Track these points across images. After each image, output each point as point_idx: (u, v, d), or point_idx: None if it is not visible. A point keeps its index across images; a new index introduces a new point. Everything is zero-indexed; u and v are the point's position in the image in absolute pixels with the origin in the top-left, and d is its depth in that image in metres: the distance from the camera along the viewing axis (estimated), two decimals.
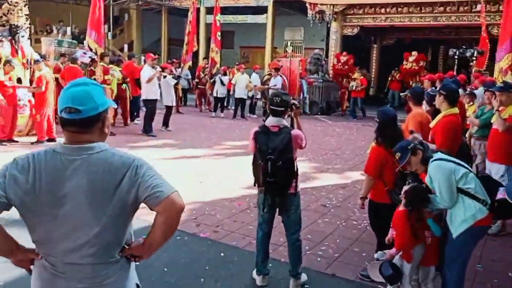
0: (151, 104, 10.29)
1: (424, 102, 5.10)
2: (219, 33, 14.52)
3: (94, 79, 10.32)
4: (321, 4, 16.97)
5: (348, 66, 15.78)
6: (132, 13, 22.23)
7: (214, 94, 13.89)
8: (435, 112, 5.15)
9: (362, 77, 14.82)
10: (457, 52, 12.80)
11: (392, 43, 20.43)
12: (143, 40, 22.42)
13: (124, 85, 10.96)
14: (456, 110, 4.14)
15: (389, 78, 18.04)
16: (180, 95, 14.41)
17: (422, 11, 15.75)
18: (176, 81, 11.46)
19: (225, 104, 14.90)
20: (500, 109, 5.00)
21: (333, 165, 8.28)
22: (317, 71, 15.92)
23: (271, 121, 3.61)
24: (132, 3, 20.69)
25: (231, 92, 14.05)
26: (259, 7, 19.55)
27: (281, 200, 3.63)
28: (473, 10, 14.71)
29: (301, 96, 15.20)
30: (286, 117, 3.69)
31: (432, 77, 10.11)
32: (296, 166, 3.63)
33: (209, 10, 19.02)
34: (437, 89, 8.90)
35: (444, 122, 4.04)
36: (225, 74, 13.73)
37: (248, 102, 14.35)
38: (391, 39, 20.53)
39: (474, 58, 12.66)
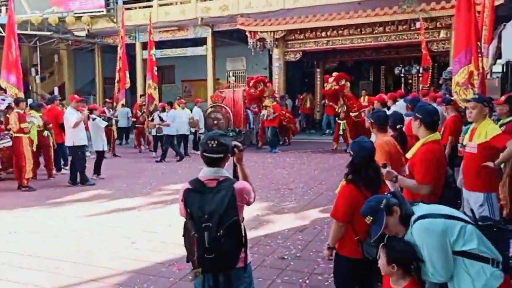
0: (79, 151, 9.06)
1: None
2: (155, 68, 13.53)
3: (9, 129, 9.09)
4: (261, 32, 16.50)
5: (259, 90, 13.73)
6: (63, 54, 20.81)
7: (153, 133, 12.77)
8: (400, 137, 4.40)
9: (274, 103, 13.46)
10: (403, 70, 12.53)
11: (335, 66, 20.26)
12: (76, 81, 20.97)
13: (46, 132, 9.64)
14: (437, 135, 3.34)
15: (324, 103, 17.57)
16: (116, 136, 13.19)
17: (363, 32, 15.57)
18: (107, 123, 10.28)
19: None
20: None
21: (288, 202, 7.37)
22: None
23: (206, 173, 2.67)
24: (61, 43, 19.33)
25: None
26: (198, 39, 18.86)
27: (226, 279, 2.65)
28: (411, 28, 14.65)
29: (247, 127, 14.42)
30: (226, 166, 2.76)
31: (382, 97, 9.60)
32: (244, 230, 2.68)
33: (145, 46, 18.05)
34: (387, 109, 8.37)
35: (424, 151, 3.23)
36: (164, 110, 12.68)
37: (191, 138, 13.39)
38: (334, 62, 20.34)
39: (420, 75, 12.43)
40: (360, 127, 12.56)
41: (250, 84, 13.78)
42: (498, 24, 8.36)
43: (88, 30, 19.18)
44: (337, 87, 12.19)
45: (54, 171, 10.02)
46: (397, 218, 2.46)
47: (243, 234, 2.65)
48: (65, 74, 20.74)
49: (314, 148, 13.60)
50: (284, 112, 14.12)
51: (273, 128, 13.21)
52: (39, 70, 18.97)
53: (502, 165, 4.41)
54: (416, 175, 3.18)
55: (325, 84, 12.73)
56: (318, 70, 20.43)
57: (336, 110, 12.63)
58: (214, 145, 2.62)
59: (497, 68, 11.74)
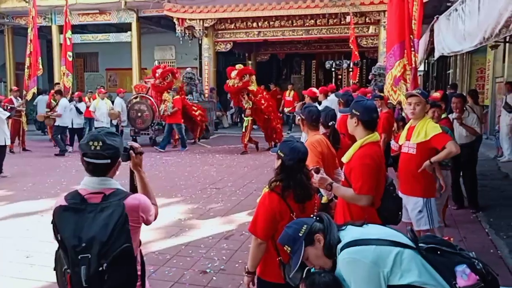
0: None
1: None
2: (70, 53, 12.30)
3: None
4: (190, 20, 15.69)
5: (167, 81, 11.85)
6: None
7: (69, 125, 11.62)
8: (333, 135, 3.99)
9: (176, 97, 11.96)
10: (334, 64, 12.39)
11: (267, 59, 20.00)
12: None
13: None
14: (376, 136, 2.86)
15: None
16: (25, 128, 11.85)
17: (294, 25, 15.32)
18: (8, 114, 9.06)
19: (84, 135, 12.71)
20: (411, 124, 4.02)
21: (214, 204, 6.81)
22: (191, 92, 14.50)
23: (88, 184, 2.07)
24: None
25: (96, 119, 11.93)
26: (122, 25, 17.64)
27: None
28: (342, 23, 14.61)
29: None
30: (117, 172, 2.14)
31: (313, 91, 9.29)
32: (141, 258, 2.11)
33: (63, 29, 16.54)
34: (318, 104, 8.08)
35: (362, 155, 2.75)
36: (80, 100, 11.58)
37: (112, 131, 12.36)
38: (266, 54, 20.11)
39: (350, 70, 12.36)
40: (270, 126, 11.70)
41: (157, 75, 11.77)
42: (423, 22, 8.35)
43: None
44: (240, 84, 10.87)
45: None
46: (320, 249, 2.02)
47: (140, 263, 2.08)
48: None
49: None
50: (196, 108, 12.89)
51: (178, 125, 11.83)
52: None
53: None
54: (354, 184, 2.72)
55: (228, 81, 11.23)
56: (250, 62, 20.00)
57: (244, 106, 11.42)
58: (98, 148, 2.00)
59: (420, 67, 11.91)
